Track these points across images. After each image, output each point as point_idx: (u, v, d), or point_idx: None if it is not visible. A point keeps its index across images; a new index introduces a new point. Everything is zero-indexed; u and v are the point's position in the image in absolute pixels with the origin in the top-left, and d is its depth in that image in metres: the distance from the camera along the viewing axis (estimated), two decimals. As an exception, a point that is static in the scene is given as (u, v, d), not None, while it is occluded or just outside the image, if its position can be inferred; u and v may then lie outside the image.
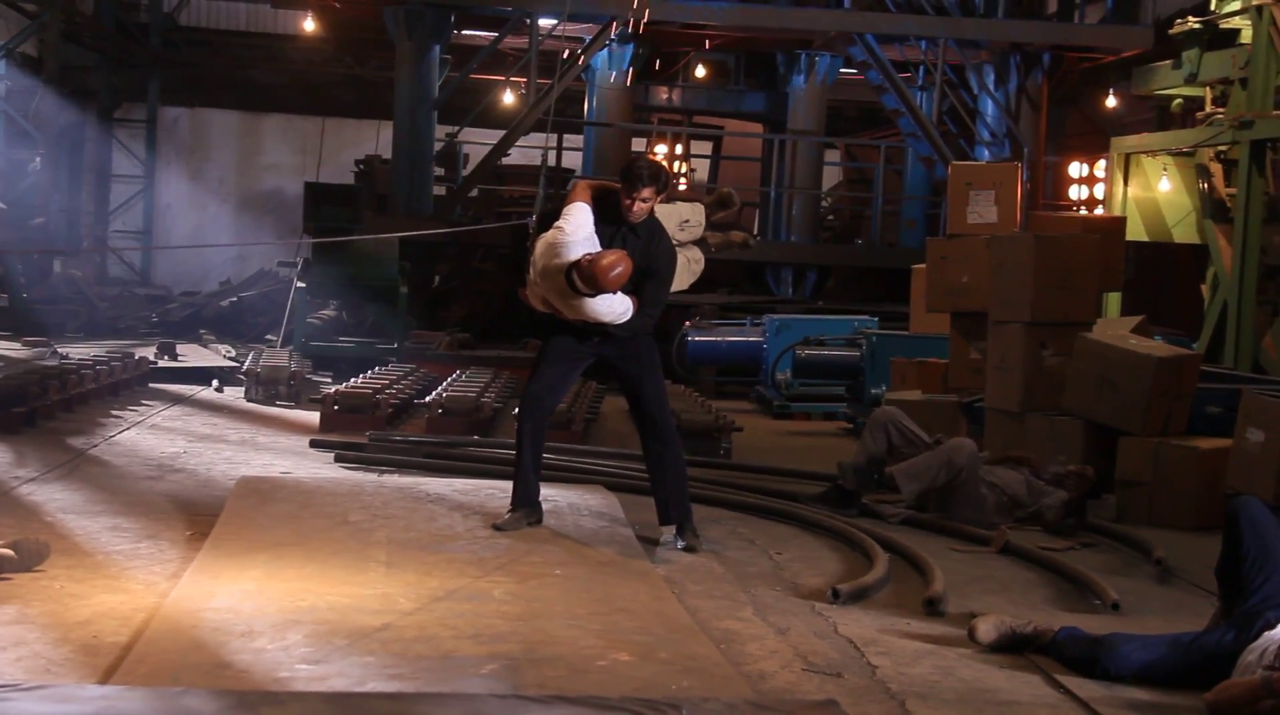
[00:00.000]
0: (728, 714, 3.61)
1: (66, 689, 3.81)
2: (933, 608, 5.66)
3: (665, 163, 20.87)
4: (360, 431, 9.61)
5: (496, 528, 6.59)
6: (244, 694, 3.89)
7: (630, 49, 18.36)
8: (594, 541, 6.51)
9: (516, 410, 7.16)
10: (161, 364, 13.40)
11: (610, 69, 18.34)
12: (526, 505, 6.78)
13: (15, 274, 17.84)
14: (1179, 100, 15.50)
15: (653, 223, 6.66)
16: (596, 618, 5.14)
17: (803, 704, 3.95)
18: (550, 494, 7.42)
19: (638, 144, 20.89)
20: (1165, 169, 14.52)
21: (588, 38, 17.31)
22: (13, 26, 20.41)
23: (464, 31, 18.78)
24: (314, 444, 9.32)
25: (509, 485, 7.02)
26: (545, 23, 17.18)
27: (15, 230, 18.41)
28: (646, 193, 6.51)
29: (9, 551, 5.34)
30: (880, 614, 5.63)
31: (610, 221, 6.57)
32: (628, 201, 6.51)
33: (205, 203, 25.17)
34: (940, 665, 4.95)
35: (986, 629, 5.17)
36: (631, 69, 18.60)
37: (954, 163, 12.45)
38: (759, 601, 5.74)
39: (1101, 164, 17.16)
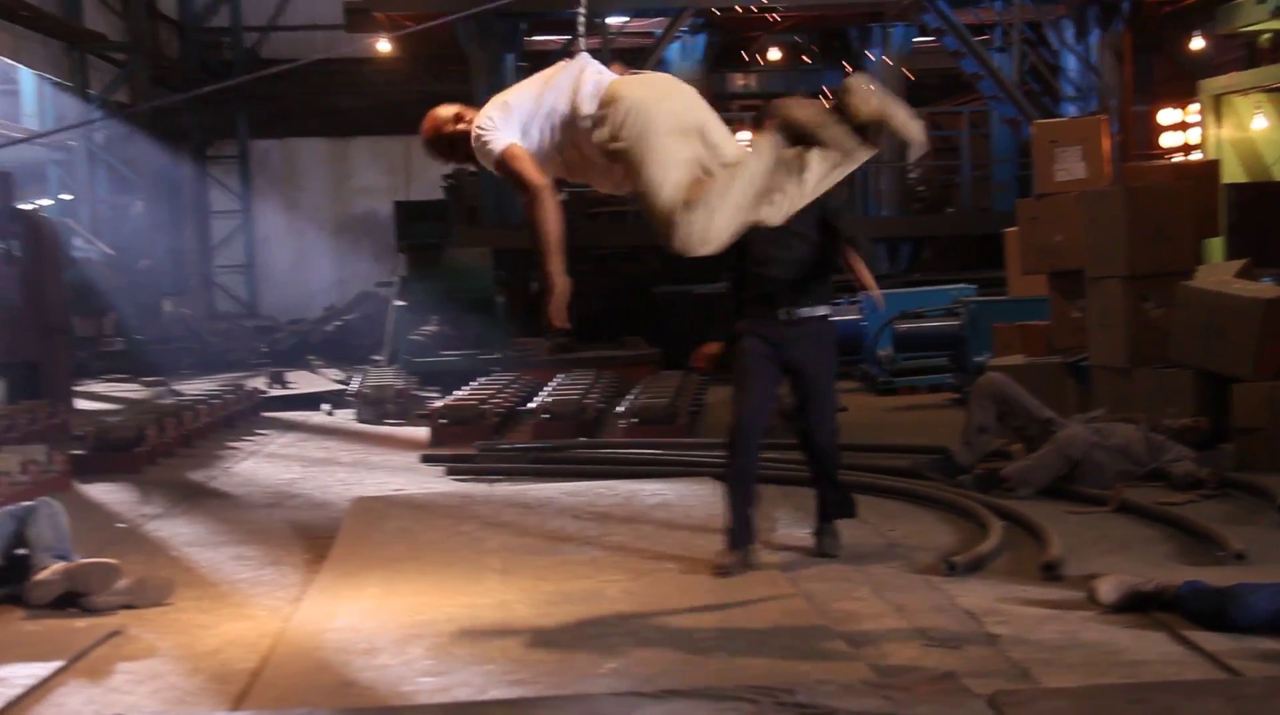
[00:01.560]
0: (843, 695, 3.61)
1: (199, 718, 3.93)
2: (1051, 572, 5.60)
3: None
4: (469, 443, 9.73)
5: (720, 572, 5.78)
6: (365, 711, 3.97)
7: (702, 39, 18.35)
8: (705, 533, 6.52)
9: (727, 441, 6.16)
10: (273, 393, 13.67)
11: (684, 60, 18.34)
12: (746, 545, 5.97)
13: (128, 317, 18.30)
14: (1267, 35, 15.17)
15: None
16: (711, 610, 5.16)
17: (919, 679, 3.94)
18: (659, 488, 7.47)
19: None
20: (1259, 107, 14.21)
21: (658, 31, 17.32)
22: (105, 76, 20.91)
23: (535, 38, 18.89)
24: (425, 459, 9.46)
25: (617, 485, 7.03)
26: (615, 21, 17.22)
27: (124, 274, 18.88)
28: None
29: (136, 582, 5.53)
30: (998, 583, 5.58)
31: None
32: None
33: (303, 230, 25.58)
34: (1063, 630, 4.89)
35: (1107, 589, 5.09)
36: (706, 58, 18.59)
37: (1037, 122, 12.28)
38: (875, 580, 5.72)
39: (1193, 108, 16.83)
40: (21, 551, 5.69)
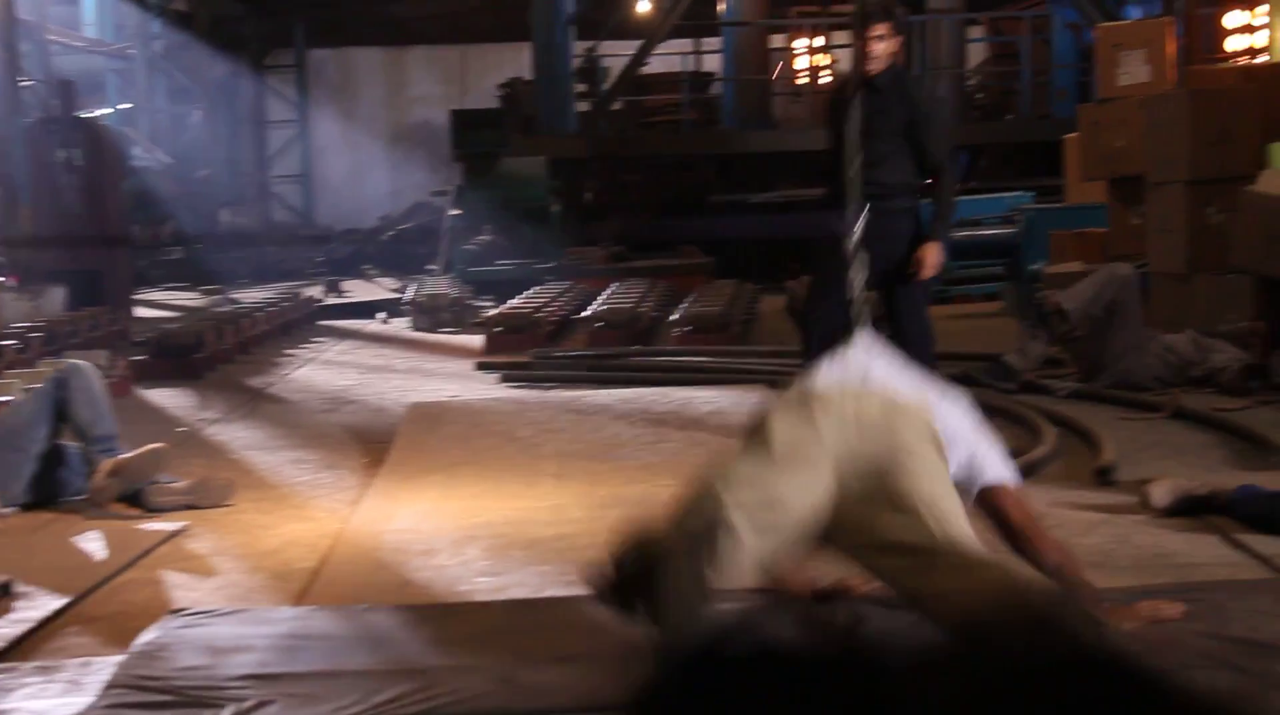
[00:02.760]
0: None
1: (261, 612, 4.01)
2: (1105, 477, 5.59)
3: (806, 55, 20.64)
4: (523, 351, 9.79)
5: None
6: (425, 608, 4.04)
7: (761, -57, 18.11)
8: (758, 438, 6.55)
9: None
10: (329, 301, 13.79)
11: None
12: None
13: (187, 227, 18.46)
14: (1341, -66, 14.73)
15: (897, 73, 6.05)
16: (764, 512, 5.19)
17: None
18: (712, 396, 7.50)
19: (777, 40, 20.63)
20: (1330, 8, 13.85)
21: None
22: (164, -15, 20.98)
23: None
24: (479, 366, 9.53)
25: (671, 392, 7.06)
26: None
27: (182, 183, 19.03)
28: (880, 29, 5.91)
29: (198, 482, 5.61)
30: (1051, 487, 5.57)
31: (844, 103, 6.04)
32: (861, 44, 5.94)
33: (358, 141, 25.61)
34: (1115, 533, 4.89)
35: (1160, 493, 5.08)
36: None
37: (1100, 24, 12.07)
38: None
39: (1261, 10, 16.43)
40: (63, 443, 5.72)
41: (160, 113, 20.89)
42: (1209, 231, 8.52)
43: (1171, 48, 9.69)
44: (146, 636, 3.70)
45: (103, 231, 12.89)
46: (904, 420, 3.36)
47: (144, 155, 19.12)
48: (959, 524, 3.28)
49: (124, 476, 5.54)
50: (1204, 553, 4.63)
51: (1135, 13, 17.00)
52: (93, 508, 5.52)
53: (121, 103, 21.00)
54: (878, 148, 6.01)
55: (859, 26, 5.96)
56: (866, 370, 3.49)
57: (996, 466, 3.53)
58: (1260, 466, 5.75)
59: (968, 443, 3.48)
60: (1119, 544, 4.77)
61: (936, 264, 6.05)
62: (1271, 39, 14.57)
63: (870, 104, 5.98)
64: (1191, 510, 5.02)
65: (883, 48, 5.93)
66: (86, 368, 5.78)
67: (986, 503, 3.51)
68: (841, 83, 6.32)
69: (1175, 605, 3.66)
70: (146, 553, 4.91)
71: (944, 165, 6.10)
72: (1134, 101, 9.32)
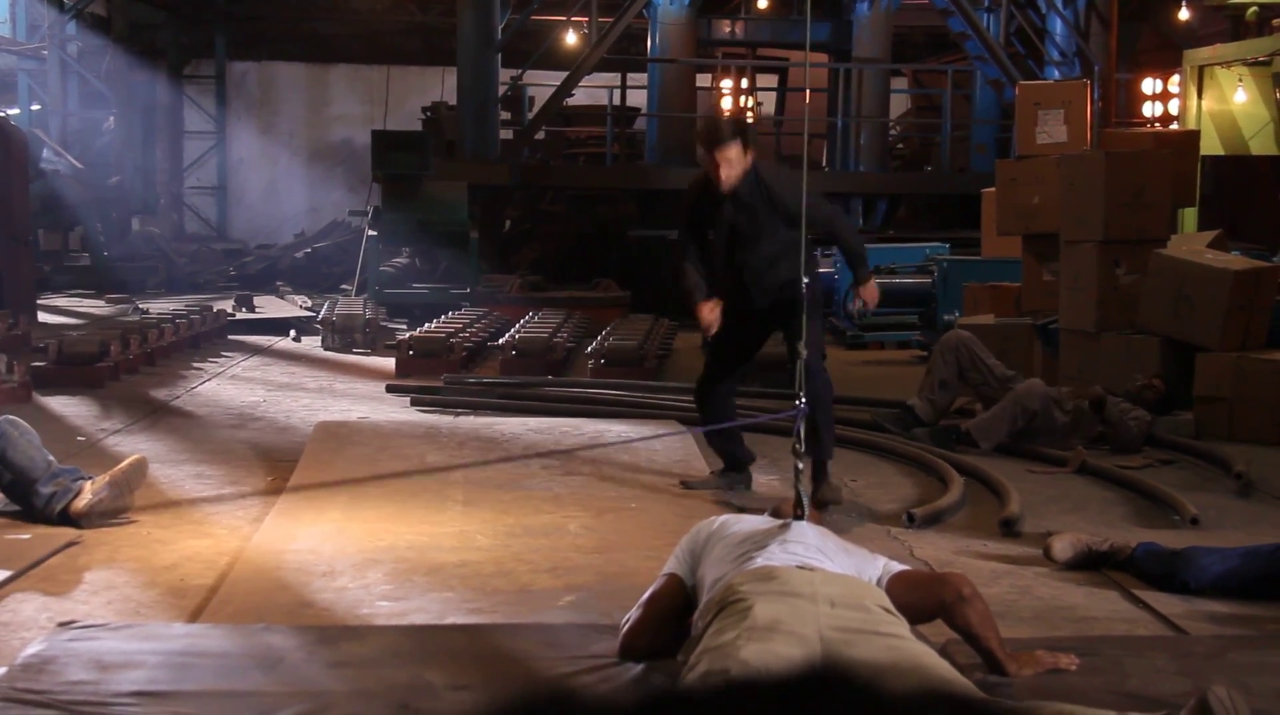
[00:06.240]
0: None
1: (153, 627, 3.91)
2: (1009, 528, 5.64)
3: (731, 97, 20.77)
4: (435, 375, 9.71)
5: (685, 486, 6.34)
6: (324, 629, 3.97)
7: (691, -17, 18.21)
8: (668, 475, 6.55)
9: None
10: (239, 316, 13.61)
11: (672, 4, 18.21)
12: (725, 471, 6.49)
13: (95, 233, 18.13)
14: (1254, 9, 15.13)
15: (754, 178, 6.05)
16: (670, 548, 5.15)
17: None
18: (624, 429, 7.48)
19: (702, 79, 20.74)
20: (1240, 80, 14.22)
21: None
22: (81, -14, 20.62)
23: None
24: (390, 389, 9.43)
25: (583, 424, 7.04)
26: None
27: (92, 189, 18.69)
28: (731, 152, 5.94)
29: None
30: (956, 536, 5.62)
31: (710, 200, 6.11)
32: (714, 167, 5.97)
33: (276, 156, 25.34)
34: (1017, 585, 4.94)
35: (1062, 547, 5.14)
36: (693, 3, 18.46)
37: (1021, 83, 12.27)
38: (835, 528, 5.70)
39: (1175, 79, 16.84)
40: None
41: (72, 116, 20.53)
42: (1119, 291, 8.66)
43: (1089, 109, 9.87)
44: (32, 649, 3.59)
45: (6, 232, 12.62)
46: (862, 592, 3.46)
47: (53, 158, 18.77)
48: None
49: (116, 487, 5.37)
50: (1104, 607, 4.68)
51: (1055, 74, 17.34)
52: (85, 526, 5.28)
53: (32, 104, 20.61)
54: (764, 250, 6.06)
55: (708, 148, 5.99)
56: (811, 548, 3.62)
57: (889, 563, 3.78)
58: (1161, 525, 5.84)
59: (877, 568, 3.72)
60: (1020, 595, 4.81)
61: (872, 298, 6.38)
62: (1183, 108, 14.95)
63: (738, 213, 6.06)
64: (1092, 565, 5.08)
65: (733, 170, 5.96)
66: (20, 421, 5.58)
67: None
68: (701, 184, 6.18)
69: (1070, 657, 3.72)
70: (37, 564, 4.79)
71: (833, 223, 6.23)
72: (1051, 160, 9.47)
